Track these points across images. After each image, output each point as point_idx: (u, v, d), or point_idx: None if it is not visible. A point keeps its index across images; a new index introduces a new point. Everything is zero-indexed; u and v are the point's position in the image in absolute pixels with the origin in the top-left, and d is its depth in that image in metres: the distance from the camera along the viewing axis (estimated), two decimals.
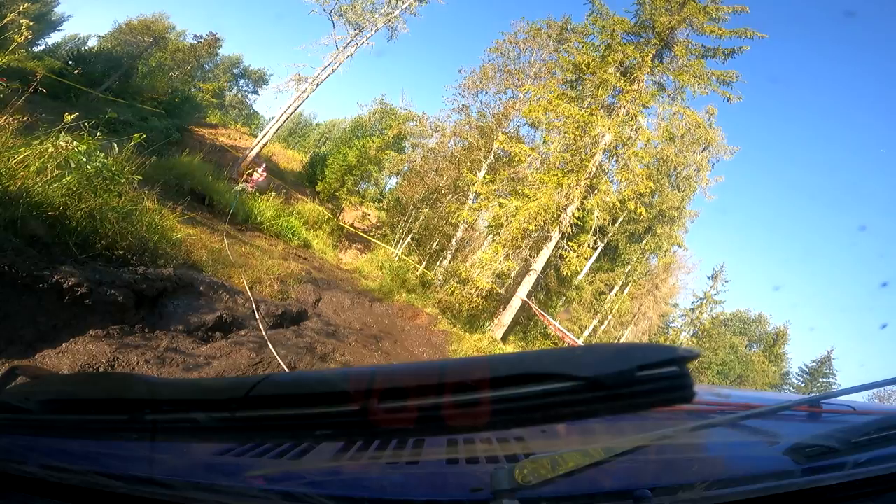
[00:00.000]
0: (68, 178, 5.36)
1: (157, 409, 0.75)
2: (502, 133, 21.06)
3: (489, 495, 0.73)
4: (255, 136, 25.06)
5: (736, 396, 1.99)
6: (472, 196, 20.77)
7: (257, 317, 6.78)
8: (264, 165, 20.11)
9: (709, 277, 41.28)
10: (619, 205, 17.79)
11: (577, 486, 0.79)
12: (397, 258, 20.41)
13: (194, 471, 0.95)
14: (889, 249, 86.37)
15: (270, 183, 19.92)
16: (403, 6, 21.15)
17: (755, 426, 1.21)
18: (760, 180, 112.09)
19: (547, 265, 18.57)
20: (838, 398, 1.51)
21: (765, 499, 0.80)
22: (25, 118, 5.83)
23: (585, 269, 25.00)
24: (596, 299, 28.19)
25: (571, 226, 17.24)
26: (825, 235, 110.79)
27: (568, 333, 18.73)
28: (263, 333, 6.41)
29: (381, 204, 29.58)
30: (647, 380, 0.57)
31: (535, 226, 16.40)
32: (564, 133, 17.53)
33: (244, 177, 18.68)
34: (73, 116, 5.71)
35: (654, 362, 0.58)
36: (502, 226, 16.67)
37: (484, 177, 19.90)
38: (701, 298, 41.22)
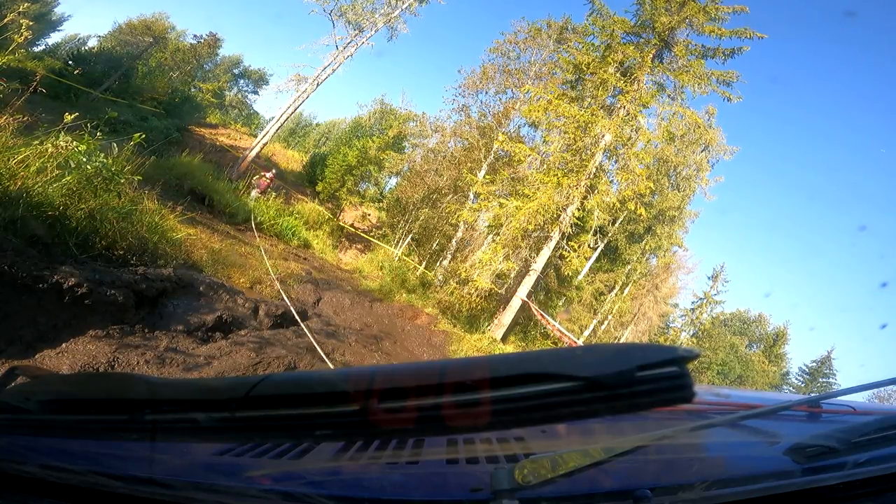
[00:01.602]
0: (68, 178, 5.35)
1: (157, 409, 0.75)
2: (502, 133, 21.06)
3: (489, 495, 0.73)
4: (255, 136, 25.07)
5: (736, 396, 1.99)
6: (471, 196, 20.77)
7: (293, 311, 6.79)
8: (273, 171, 20.20)
9: (709, 277, 41.39)
10: (618, 205, 17.75)
11: (577, 486, 0.79)
12: (397, 258, 20.42)
13: (194, 471, 0.95)
14: (889, 250, 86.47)
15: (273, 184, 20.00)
16: (403, 6, 21.15)
17: (755, 426, 1.21)
18: (760, 180, 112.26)
19: (547, 265, 18.56)
20: (838, 398, 1.51)
21: (765, 499, 0.80)
22: (25, 118, 5.83)
23: (585, 270, 25.03)
24: (596, 299, 28.19)
25: (571, 226, 17.23)
26: (825, 235, 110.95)
27: (567, 333, 18.72)
28: (308, 333, 6.42)
29: (381, 204, 29.56)
30: (647, 380, 0.58)
31: (535, 226, 16.39)
32: (564, 133, 17.51)
33: (259, 183, 18.85)
34: (73, 116, 5.71)
35: (654, 362, 0.58)
36: (502, 226, 16.67)
37: (484, 177, 19.90)
38: (701, 298, 41.27)
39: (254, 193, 18.02)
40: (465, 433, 0.93)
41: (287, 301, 8.26)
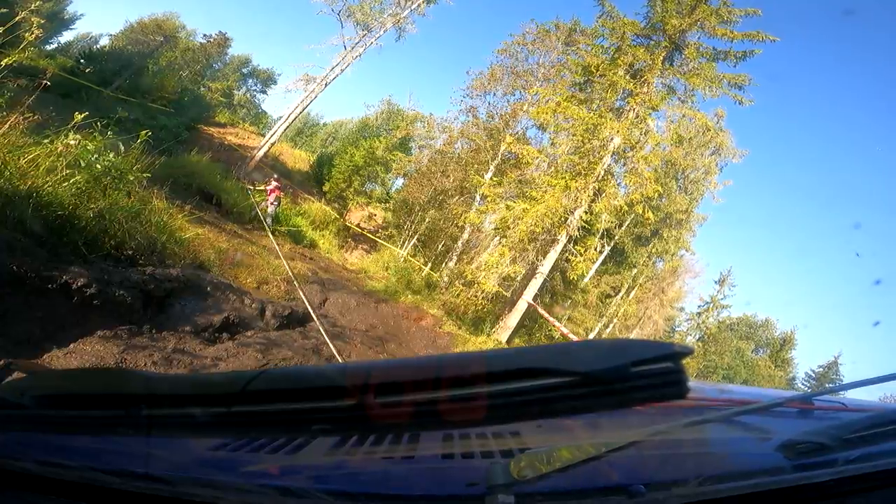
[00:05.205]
0: (78, 177, 5.38)
1: (154, 404, 0.75)
2: (510, 135, 20.99)
3: (485, 490, 0.73)
4: (263, 136, 25.18)
5: (730, 392, 2.00)
6: (478, 198, 20.73)
7: (315, 317, 6.81)
8: (275, 176, 19.96)
9: (715, 282, 41.02)
10: (626, 208, 17.64)
11: (571, 481, 0.79)
12: (403, 259, 20.40)
13: (190, 466, 0.95)
14: (883, 247, 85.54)
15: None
16: (412, 6, 21.18)
17: (748, 422, 1.21)
18: (764, 182, 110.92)
19: (553, 268, 18.47)
20: (830, 395, 1.52)
21: (756, 494, 0.80)
22: (36, 117, 5.86)
23: (591, 272, 24.92)
24: (601, 302, 28.10)
25: (578, 229, 17.16)
26: (823, 234, 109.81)
27: (573, 336, 18.66)
28: (325, 336, 6.44)
29: (387, 205, 29.55)
30: (642, 375, 0.58)
31: (542, 229, 16.33)
32: (573, 135, 17.41)
33: (267, 193, 18.08)
34: (83, 115, 5.73)
35: (649, 358, 0.59)
36: (509, 228, 16.60)
37: (491, 179, 19.87)
38: (707, 302, 40.98)
39: (270, 210, 16.63)
40: (461, 428, 0.94)
41: (306, 302, 8.30)
